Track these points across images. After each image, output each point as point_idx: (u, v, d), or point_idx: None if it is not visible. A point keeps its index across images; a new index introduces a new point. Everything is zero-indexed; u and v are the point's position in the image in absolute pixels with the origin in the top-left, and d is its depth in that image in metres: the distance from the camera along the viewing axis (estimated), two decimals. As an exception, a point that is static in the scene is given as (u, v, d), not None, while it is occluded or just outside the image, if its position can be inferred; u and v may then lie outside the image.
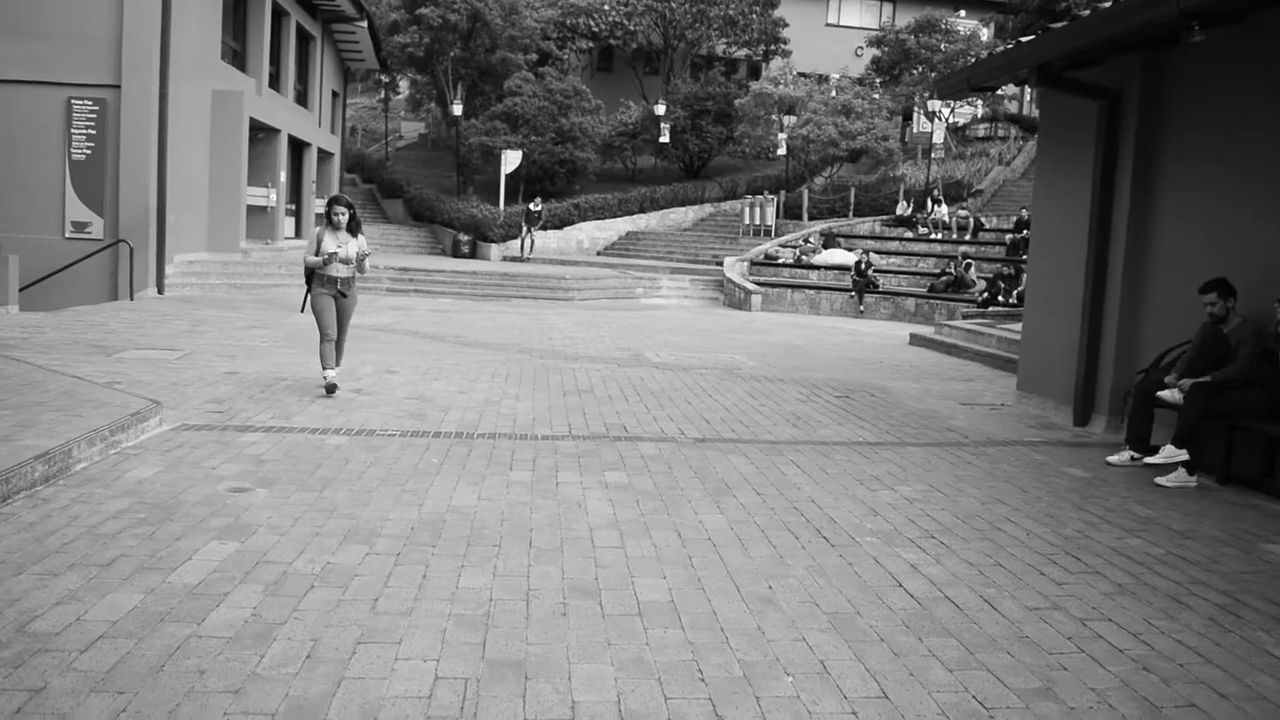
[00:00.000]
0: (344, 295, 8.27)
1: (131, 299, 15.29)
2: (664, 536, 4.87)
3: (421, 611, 3.82)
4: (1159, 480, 6.60)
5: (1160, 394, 6.98)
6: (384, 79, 42.32)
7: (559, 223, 30.89)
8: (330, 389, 8.17)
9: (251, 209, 21.30)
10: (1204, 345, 6.81)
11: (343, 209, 8.20)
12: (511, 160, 30.16)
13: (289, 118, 23.35)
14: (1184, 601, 4.36)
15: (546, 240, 30.03)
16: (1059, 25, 8.17)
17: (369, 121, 48.77)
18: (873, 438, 7.58)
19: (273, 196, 22.17)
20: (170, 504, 4.99)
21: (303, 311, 8.70)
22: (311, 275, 8.20)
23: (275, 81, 23.13)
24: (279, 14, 22.88)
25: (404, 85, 44.96)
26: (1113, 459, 7.02)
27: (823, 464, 6.58)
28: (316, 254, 8.09)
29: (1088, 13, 7.72)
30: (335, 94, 30.83)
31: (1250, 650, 3.86)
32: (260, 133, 21.56)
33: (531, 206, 28.27)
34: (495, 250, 28.48)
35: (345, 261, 8.13)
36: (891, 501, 5.74)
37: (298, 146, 25.21)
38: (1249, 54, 7.16)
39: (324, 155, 28.40)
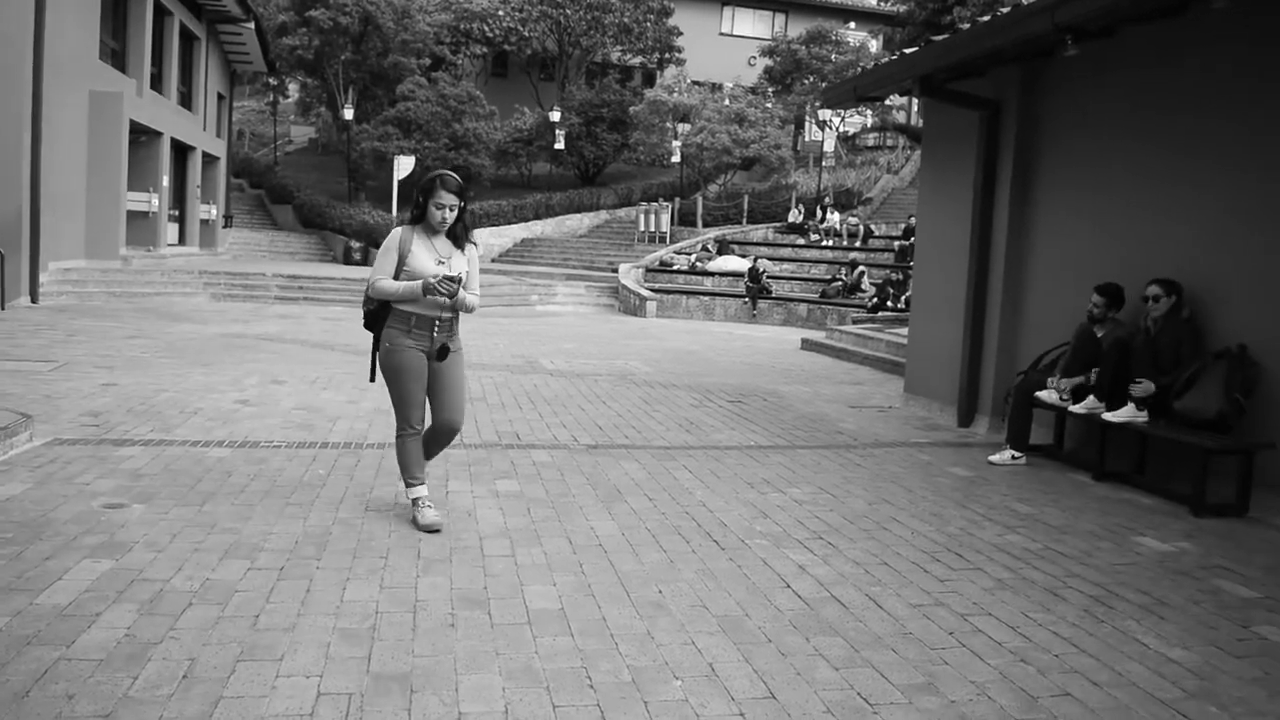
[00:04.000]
0: (446, 350, 5.00)
1: (2, 308, 14.64)
2: (555, 544, 4.85)
3: (304, 627, 3.73)
4: (991, 458, 7.20)
5: (1039, 394, 7.23)
6: (272, 82, 41.38)
7: (453, 229, 30.58)
8: (430, 528, 4.94)
9: (132, 214, 20.61)
10: (1077, 347, 7.09)
11: (452, 196, 4.85)
12: (404, 166, 29.75)
13: (172, 120, 22.68)
14: (1060, 594, 4.51)
15: (441, 247, 29.68)
16: (941, 38, 8.40)
17: (257, 125, 47.61)
18: (764, 441, 7.68)
19: (155, 202, 21.49)
20: (40, 522, 4.78)
21: (372, 379, 5.25)
22: (381, 315, 4.98)
23: (157, 83, 22.43)
24: (161, 13, 22.20)
25: (293, 88, 44.04)
26: (994, 458, 7.24)
27: (714, 468, 6.64)
28: (398, 274, 4.89)
29: (969, 26, 7.96)
30: (221, 96, 30.06)
31: (1121, 639, 4.00)
32: (141, 135, 20.88)
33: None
34: (388, 257, 28.04)
35: (453, 287, 4.80)
36: (781, 504, 5.82)
37: (181, 150, 24.50)
38: (1117, 65, 7.46)
39: (209, 159, 27.64)
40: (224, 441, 6.72)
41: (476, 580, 4.30)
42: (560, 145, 35.02)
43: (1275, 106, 6.23)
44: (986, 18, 7.53)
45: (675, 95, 34.67)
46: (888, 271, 21.96)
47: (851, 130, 39.79)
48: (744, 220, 30.80)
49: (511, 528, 5.08)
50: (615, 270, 25.19)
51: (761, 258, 23.76)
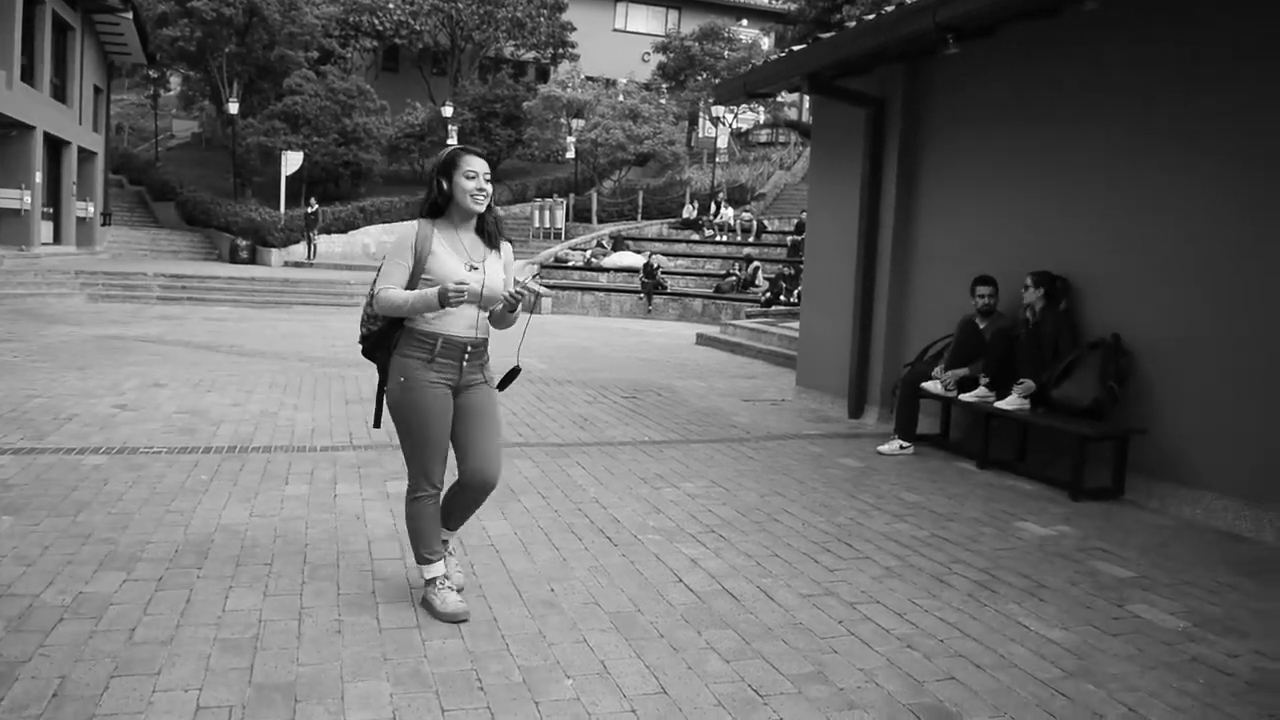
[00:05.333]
0: (474, 379, 3.91)
1: None
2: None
3: (184, 639, 3.59)
4: (880, 449, 7.35)
5: (925, 385, 7.39)
6: (153, 74, 39.97)
7: (344, 226, 30.04)
8: (455, 618, 3.84)
9: (3, 212, 19.77)
10: (961, 339, 7.27)
11: (483, 163, 3.79)
12: (292, 162, 29.12)
13: (45, 113, 21.78)
14: (946, 580, 4.61)
15: (331, 245, 29.15)
16: (828, 36, 8.53)
17: (137, 119, 45.91)
18: (658, 436, 7.70)
19: (28, 199, 20.62)
20: (-105, 536, 4.54)
21: (377, 424, 4.11)
22: (387, 337, 3.86)
23: (28, 75, 21.49)
24: (32, 1, 21.27)
25: (175, 81, 42.60)
26: (883, 448, 7.38)
27: (608, 464, 6.62)
28: (414, 284, 3.76)
29: (854, 24, 8.10)
30: (98, 89, 28.96)
31: (1004, 622, 4.11)
32: (12, 130, 20.02)
33: (308, 210, 27.37)
34: (276, 255, 27.42)
35: (489, 300, 3.79)
36: (674, 499, 5.84)
37: (55, 145, 23.55)
38: (997, 64, 7.66)
39: (86, 155, 26.63)
40: (100, 448, 6.47)
41: (364, 585, 4.21)
42: (453, 141, 34.64)
43: (1148, 104, 6.47)
44: (872, 16, 7.67)
45: (569, 91, 34.62)
46: (781, 266, 22.27)
47: (745, 126, 40.25)
48: (639, 216, 30.92)
49: (401, 530, 4.98)
50: (510, 267, 24.99)
51: (656, 253, 23.87)
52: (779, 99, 32.87)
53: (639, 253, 25.17)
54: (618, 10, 46.16)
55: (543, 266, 24.87)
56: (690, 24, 42.77)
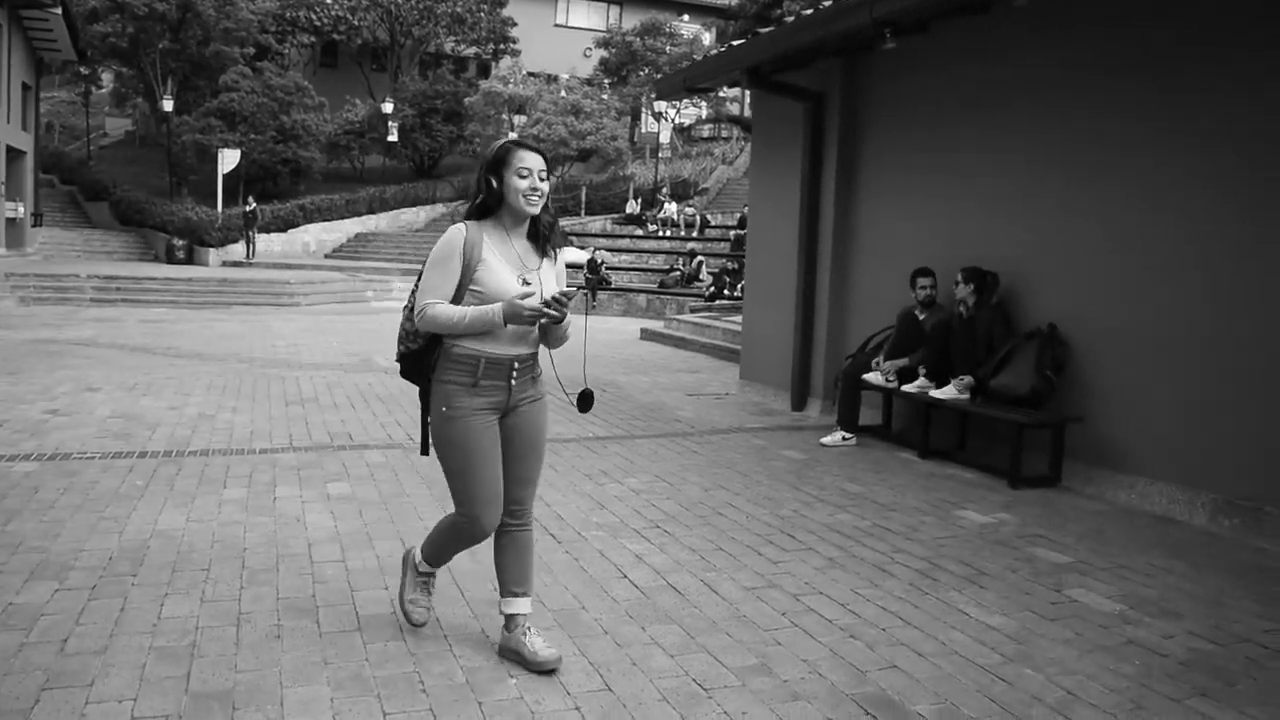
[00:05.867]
0: (526, 396, 3.49)
1: None
2: (388, 546, 4.73)
3: (118, 648, 3.52)
4: (823, 440, 7.40)
5: (866, 377, 7.46)
6: (84, 71, 39.09)
7: (283, 225, 29.64)
8: (547, 667, 3.43)
9: (-74, 214, 19.21)
10: (901, 331, 7.35)
11: (539, 158, 3.32)
12: (229, 159, 28.66)
13: (-32, 113, 21.21)
14: (888, 570, 4.65)
15: (270, 243, 28.75)
16: (767, 30, 8.58)
17: (68, 117, 44.85)
18: (602, 432, 7.69)
19: (-48, 200, 20.07)
20: None
21: (425, 451, 3.75)
22: (427, 357, 3.44)
23: (-49, 73, 20.94)
24: (-48, -2, 20.73)
25: (107, 78, 41.70)
26: (826, 440, 7.43)
27: (552, 461, 6.59)
28: (460, 295, 3.31)
29: (793, 19, 8.15)
30: (27, 87, 28.26)
31: (945, 610, 4.16)
32: (-67, 129, 19.46)
33: (246, 208, 26.97)
34: (214, 255, 27.00)
35: (550, 312, 3.22)
36: (619, 494, 5.83)
37: (-19, 144, 22.95)
38: (933, 59, 7.74)
39: (14, 154, 26.00)
40: (31, 454, 6.31)
41: (304, 589, 4.15)
42: (394, 137, 34.37)
43: (1071, 103, 6.57)
44: (810, 11, 7.72)
45: (511, 86, 34.46)
46: (724, 260, 22.34)
47: (687, 122, 40.30)
48: (582, 212, 30.86)
49: (343, 532, 4.93)
50: (453, 264, 24.82)
51: (600, 249, 23.83)
52: (721, 94, 33.02)
53: (583, 248, 25.11)
54: (559, 6, 46.01)
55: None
56: (632, 19, 42.78)
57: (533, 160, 3.29)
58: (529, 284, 3.29)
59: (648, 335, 15.89)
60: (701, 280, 22.01)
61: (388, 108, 34.36)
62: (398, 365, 3.60)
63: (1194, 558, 5.01)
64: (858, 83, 8.62)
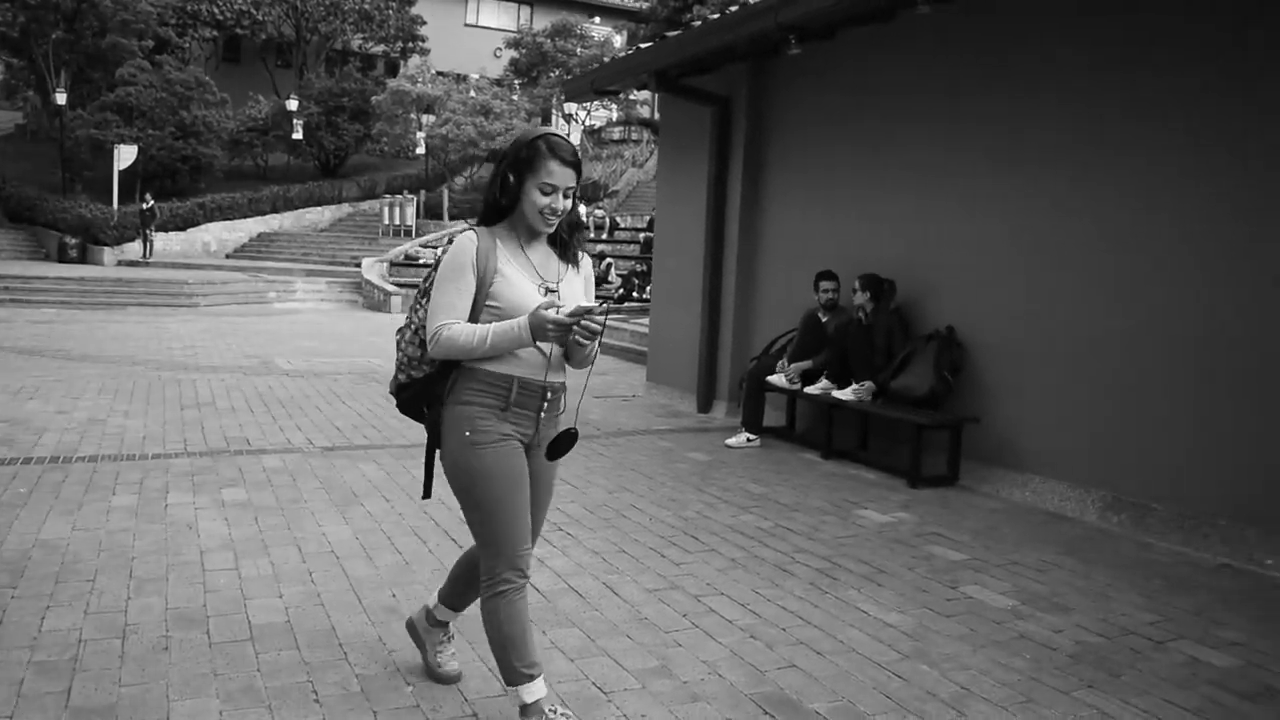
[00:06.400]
0: (549, 437, 3.01)
1: None
2: (283, 553, 4.62)
3: (-8, 662, 3.37)
4: (728, 442, 7.42)
5: (770, 379, 7.53)
6: (-30, 62, 37.58)
7: (182, 223, 28.84)
8: None
9: None
10: (804, 333, 7.44)
11: (570, 170, 2.84)
12: (126, 156, 27.77)
13: None
14: (789, 570, 4.69)
15: (169, 242, 27.96)
16: (674, 34, 8.61)
17: (-48, 110, 43.09)
18: (508, 435, 7.61)
19: None
20: None
21: (427, 494, 3.17)
22: (435, 386, 2.98)
23: None
24: None
25: (-6, 70, 40.16)
26: (731, 441, 7.48)
27: (456, 465, 6.52)
28: (476, 312, 2.87)
29: (699, 23, 8.19)
30: (-95, 78, 27.04)
31: (844, 608, 4.21)
32: None
33: (143, 206, 26.19)
34: (109, 254, 26.15)
35: (589, 324, 2.72)
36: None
37: None
38: (837, 66, 7.85)
39: (-108, 148, 24.83)
40: (-97, 461, 6.04)
41: (195, 598, 4.03)
42: (299, 135, 33.67)
43: (978, 110, 6.72)
44: (717, 16, 7.77)
45: (419, 86, 34.02)
46: (633, 263, 22.39)
47: (597, 124, 40.29)
48: (491, 213, 30.60)
49: (237, 539, 4.80)
50: (359, 265, 24.46)
51: (510, 250, 23.71)
52: (631, 97, 33.07)
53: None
54: (469, 5, 45.61)
55: (393, 264, 24.39)
56: (543, 20, 42.63)
57: (562, 176, 2.82)
58: (552, 292, 2.89)
59: (556, 337, 15.81)
60: (610, 282, 22.02)
61: (293, 105, 33.67)
62: (393, 399, 3.10)
63: (1084, 553, 5.16)
64: (764, 87, 8.70)
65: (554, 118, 36.05)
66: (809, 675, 3.54)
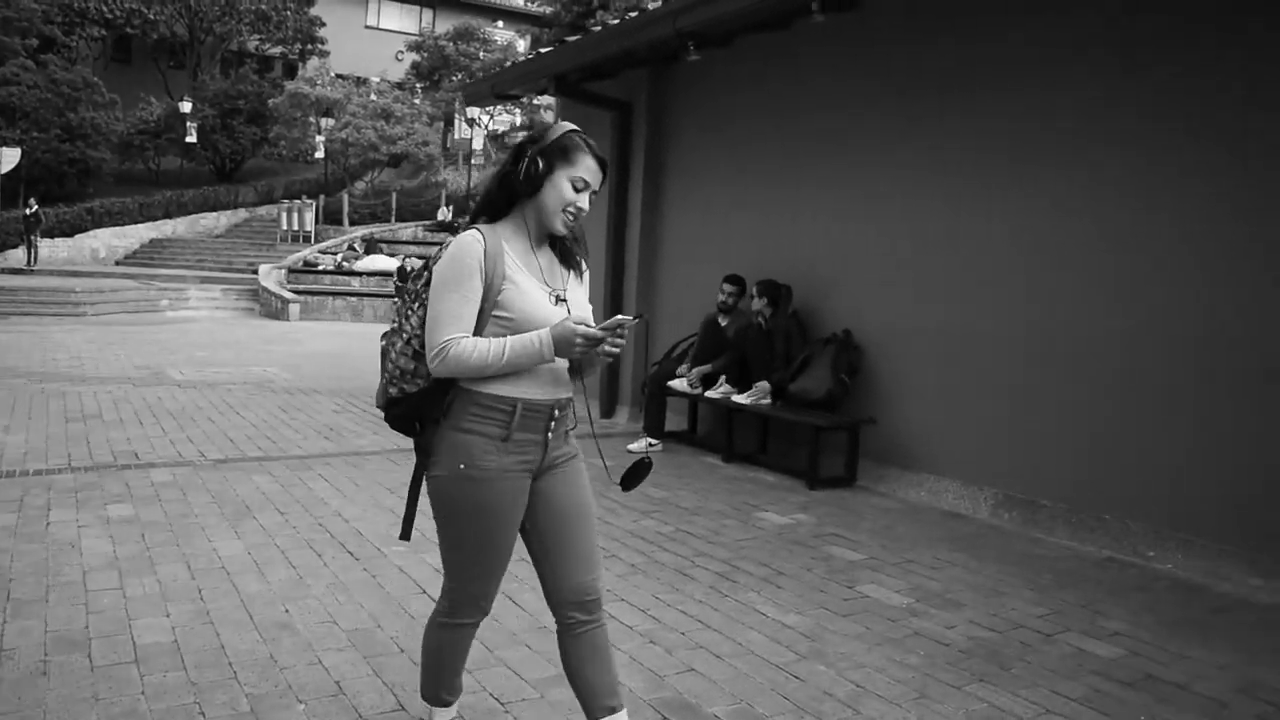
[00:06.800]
0: (561, 454, 2.77)
1: None
2: (171, 570, 4.47)
3: None
4: (629, 447, 7.42)
5: (671, 383, 7.56)
6: None
7: (69, 229, 27.81)
8: None
9: None
10: (704, 337, 7.49)
11: (598, 168, 2.62)
12: (8, 159, 26.65)
13: None
14: (689, 574, 4.71)
15: (54, 249, 26.94)
16: (574, 39, 8.61)
17: None
18: (407, 444, 7.49)
19: None
20: None
21: (406, 535, 2.93)
22: (433, 402, 2.61)
23: None
24: None
25: None
26: (632, 446, 7.49)
27: (353, 475, 6.41)
28: (483, 324, 2.56)
29: (599, 28, 8.20)
30: None
31: (743, 611, 4.24)
32: None
33: (27, 211, 25.22)
34: (-11, 262, 25.11)
35: (617, 342, 2.53)
36: (422, 507, 5.68)
37: None
38: (736, 73, 7.93)
39: None
40: None
41: (76, 619, 3.88)
42: (193, 138, 32.72)
43: (874, 118, 6.84)
44: (617, 21, 7.79)
45: (318, 88, 33.39)
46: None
47: (501, 128, 40.04)
48: (393, 218, 30.25)
49: (122, 557, 4.63)
50: (255, 272, 23.90)
51: (411, 256, 23.41)
52: (535, 101, 32.95)
53: (393, 256, 24.62)
54: (370, 7, 44.88)
55: (291, 271, 23.89)
56: (445, 24, 42.16)
57: (594, 176, 2.61)
58: (563, 301, 2.63)
59: (460, 343, 15.68)
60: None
61: (186, 107, 32.73)
62: (383, 414, 2.74)
63: (976, 550, 5.28)
64: (665, 93, 8.75)
65: (457, 122, 35.75)
66: (708, 679, 3.55)
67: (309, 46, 39.41)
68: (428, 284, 2.58)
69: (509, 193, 2.62)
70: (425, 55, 38.64)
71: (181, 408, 8.75)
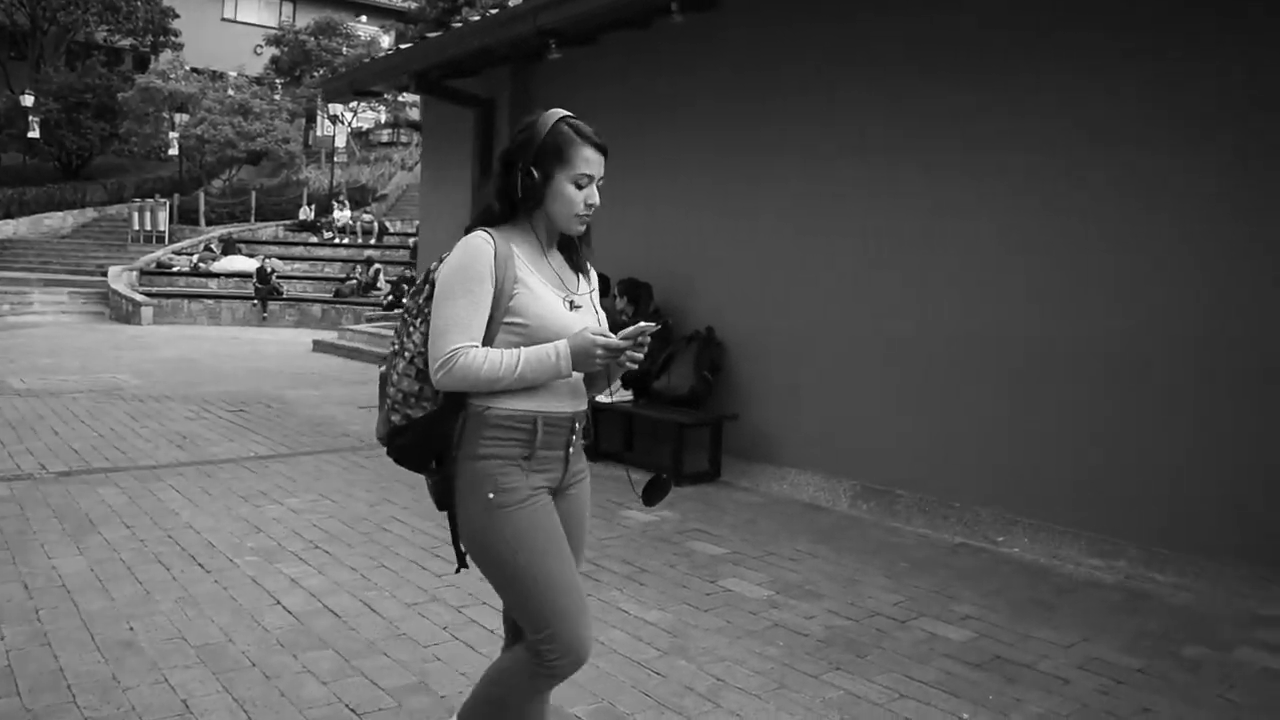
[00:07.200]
0: (578, 472, 2.57)
1: None
2: (5, 590, 4.23)
3: None
4: None
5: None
6: None
7: (-103, 231, 26.17)
8: None
9: None
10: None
11: (601, 157, 2.48)
12: None
13: None
14: (552, 575, 4.69)
15: (-120, 253, 25.32)
16: (435, 35, 8.50)
17: None
18: (265, 451, 7.30)
19: None
20: None
21: (463, 565, 2.54)
22: (442, 425, 2.36)
23: None
24: None
25: None
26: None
27: (206, 485, 6.18)
28: (493, 334, 2.33)
29: (460, 25, 8.11)
30: None
31: (606, 609, 4.23)
32: None
33: None
34: None
35: (636, 355, 2.38)
36: (277, 516, 5.54)
37: None
38: (599, 71, 7.94)
39: None
40: None
41: (-101, 647, 3.64)
42: (35, 134, 31.14)
43: (731, 112, 6.94)
44: (478, 18, 7.73)
45: (172, 82, 32.16)
46: (403, 268, 21.98)
47: (365, 126, 39.30)
48: (252, 218, 29.33)
49: (-44, 577, 4.37)
50: (105, 274, 22.87)
51: (272, 257, 22.78)
52: (401, 99, 32.42)
53: (252, 256, 23.89)
54: (226, -1, 43.51)
55: (143, 273, 22.94)
56: (306, 17, 41.06)
57: (597, 165, 2.43)
58: (577, 306, 2.44)
59: (321, 347, 15.33)
60: (379, 289, 21.53)
61: (28, 101, 31.11)
62: (384, 447, 2.47)
63: (836, 541, 5.40)
64: (529, 90, 8.70)
65: (319, 119, 34.97)
66: (569, 679, 3.53)
67: (161, 39, 37.86)
68: (429, 298, 2.36)
69: (509, 205, 2.41)
70: (285, 50, 37.62)
71: (22, 418, 8.30)
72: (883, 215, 6.02)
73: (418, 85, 8.84)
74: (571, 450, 2.46)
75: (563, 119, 2.39)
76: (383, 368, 2.47)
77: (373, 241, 26.55)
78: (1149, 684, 3.65)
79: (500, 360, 2.26)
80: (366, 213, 28.95)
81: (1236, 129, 4.64)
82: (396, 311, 18.28)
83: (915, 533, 5.63)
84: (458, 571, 2.59)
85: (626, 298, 7.15)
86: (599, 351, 2.27)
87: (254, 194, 30.15)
